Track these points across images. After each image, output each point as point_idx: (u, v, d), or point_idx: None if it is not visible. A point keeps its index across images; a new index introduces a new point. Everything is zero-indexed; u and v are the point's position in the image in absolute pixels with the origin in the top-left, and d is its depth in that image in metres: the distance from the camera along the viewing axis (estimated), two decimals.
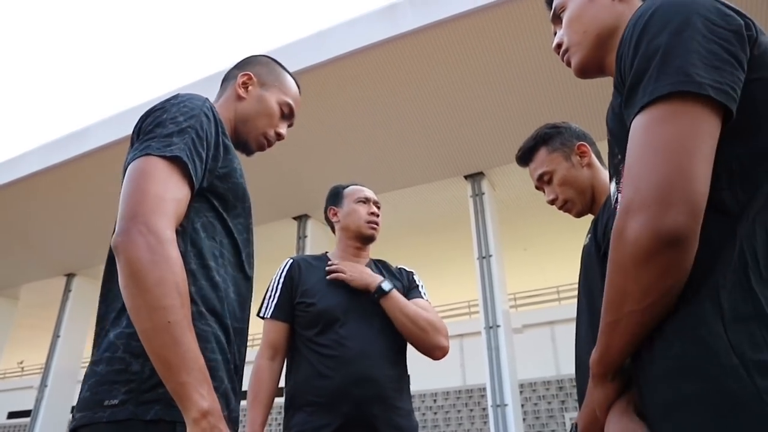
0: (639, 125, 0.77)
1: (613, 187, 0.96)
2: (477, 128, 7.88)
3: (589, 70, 1.08)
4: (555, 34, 1.15)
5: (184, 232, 1.10)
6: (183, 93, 1.21)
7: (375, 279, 1.93)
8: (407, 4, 6.64)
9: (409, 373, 1.99)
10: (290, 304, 1.94)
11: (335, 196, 2.19)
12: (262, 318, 1.96)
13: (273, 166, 8.49)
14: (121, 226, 0.99)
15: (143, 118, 1.16)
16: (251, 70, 1.41)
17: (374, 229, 2.10)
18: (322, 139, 8.19)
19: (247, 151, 1.42)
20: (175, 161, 1.05)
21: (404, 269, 2.22)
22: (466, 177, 8.99)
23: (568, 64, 1.10)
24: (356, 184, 2.21)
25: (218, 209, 1.19)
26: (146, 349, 0.99)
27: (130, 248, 0.96)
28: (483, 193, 8.80)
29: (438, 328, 1.94)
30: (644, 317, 0.77)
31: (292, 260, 2.07)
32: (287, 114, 1.43)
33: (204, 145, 1.12)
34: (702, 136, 0.73)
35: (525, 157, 1.74)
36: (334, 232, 2.20)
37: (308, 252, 9.64)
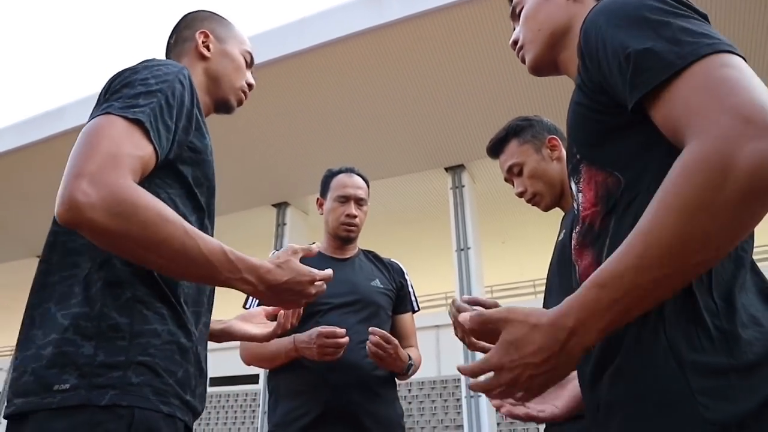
0: (694, 80, 0.69)
1: (573, 186, 0.95)
2: (458, 120, 7.90)
3: (542, 67, 1.09)
4: (514, 30, 1.16)
5: None
6: (158, 58, 1.13)
7: (403, 364, 1.87)
8: None
9: None
10: None
11: (325, 184, 2.15)
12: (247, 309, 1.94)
13: (252, 153, 8.43)
14: (63, 191, 0.88)
15: (113, 78, 1.07)
16: (205, 27, 1.34)
17: (349, 230, 2.04)
18: (303, 126, 8.14)
19: (228, 109, 1.36)
20: (137, 124, 0.97)
21: (395, 263, 2.20)
22: (446, 169, 9.01)
23: (523, 61, 1.11)
24: (345, 171, 2.14)
25: (188, 184, 1.12)
26: (179, 276, 1.02)
27: (81, 217, 0.87)
28: (463, 186, 8.83)
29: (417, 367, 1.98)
30: (705, 268, 0.69)
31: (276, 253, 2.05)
32: (249, 62, 1.39)
33: (173, 113, 1.04)
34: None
35: (495, 148, 1.76)
36: None
37: (287, 240, 9.60)
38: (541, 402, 1.18)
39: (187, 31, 1.34)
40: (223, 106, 1.35)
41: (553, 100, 7.14)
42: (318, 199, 2.15)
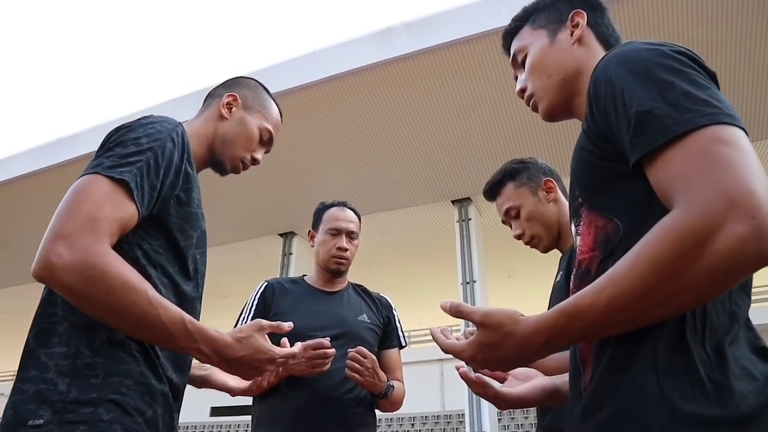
0: (688, 150, 0.70)
1: (573, 229, 0.96)
2: (466, 154, 7.95)
3: (556, 113, 1.09)
4: (516, 78, 1.16)
5: (125, 257, 1.04)
6: (156, 115, 1.18)
7: (381, 385, 1.88)
8: (402, 28, 6.73)
9: None
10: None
11: (317, 217, 2.15)
12: None
13: (260, 183, 8.48)
14: (41, 250, 0.94)
15: (109, 135, 1.13)
16: (237, 91, 1.40)
17: (340, 263, 2.03)
18: (311, 157, 8.21)
19: (222, 171, 1.40)
20: (121, 184, 1.02)
21: (383, 298, 2.17)
22: (453, 202, 9.04)
23: (535, 109, 1.11)
24: (338, 205, 2.14)
25: (172, 234, 1.16)
26: (141, 339, 1.05)
27: (53, 277, 0.93)
28: (470, 219, 8.84)
29: (401, 402, 1.99)
30: (669, 318, 0.72)
31: (267, 283, 2.04)
32: (266, 140, 1.42)
33: (160, 172, 1.09)
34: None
35: (492, 191, 1.77)
36: None
37: (293, 269, 9.60)
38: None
39: (222, 90, 1.41)
40: (218, 166, 1.39)
41: (562, 133, 7.18)
42: (310, 231, 2.16)
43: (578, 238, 0.92)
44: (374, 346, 2.00)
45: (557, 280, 1.62)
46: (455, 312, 0.90)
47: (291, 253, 9.88)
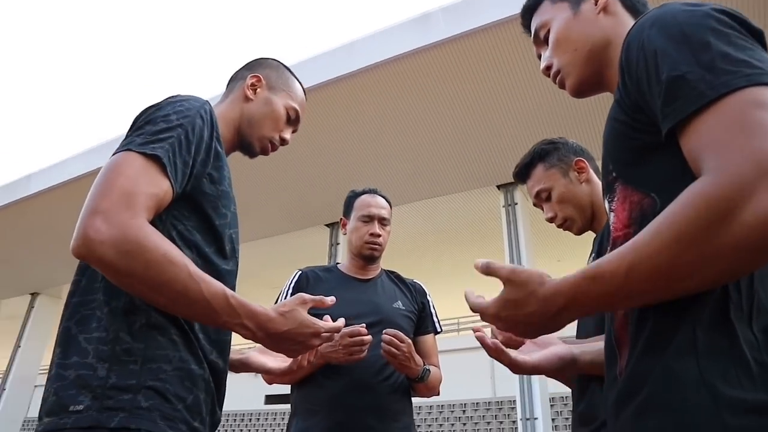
0: (723, 114, 0.66)
1: (606, 204, 0.92)
2: (510, 137, 7.83)
3: (586, 89, 1.05)
4: (539, 56, 1.12)
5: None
6: (183, 94, 1.18)
7: (417, 369, 1.88)
8: (440, 12, 6.65)
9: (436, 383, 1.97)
10: None
11: (348, 205, 2.17)
12: None
13: (305, 174, 8.56)
14: (79, 226, 0.94)
15: (138, 115, 1.12)
16: (261, 72, 1.39)
17: (373, 249, 2.05)
18: (355, 147, 8.23)
19: (251, 153, 1.39)
20: (154, 160, 1.01)
21: (417, 284, 2.18)
22: (498, 187, 8.92)
23: (562, 85, 1.07)
24: (369, 192, 2.16)
25: (206, 213, 1.15)
26: (182, 315, 1.05)
27: (92, 252, 0.93)
28: (516, 203, 8.70)
29: (438, 387, 1.98)
30: (693, 292, 0.69)
31: (300, 272, 2.06)
32: (293, 119, 1.41)
33: (192, 148, 1.08)
34: None
35: (522, 173, 1.74)
36: None
37: (341, 259, 9.64)
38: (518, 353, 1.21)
39: (246, 72, 1.41)
40: (246, 148, 1.38)
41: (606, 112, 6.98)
42: (341, 219, 2.18)
43: (612, 214, 0.88)
44: (410, 333, 2.02)
45: (589, 261, 1.59)
46: (485, 269, 0.89)
47: (338, 243, 9.95)
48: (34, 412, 12.49)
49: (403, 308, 2.04)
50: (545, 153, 1.68)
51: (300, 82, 1.48)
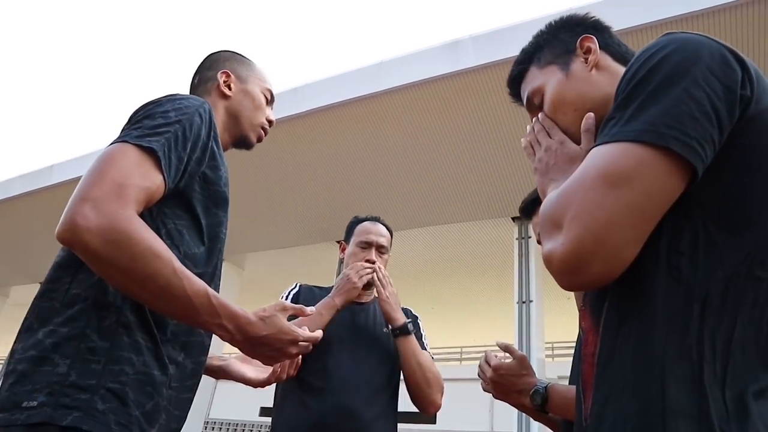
0: (592, 153, 0.73)
1: None
2: (529, 170, 7.78)
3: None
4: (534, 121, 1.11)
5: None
6: (183, 93, 1.17)
7: (402, 317, 1.89)
8: (470, 41, 6.70)
9: (435, 411, 1.94)
10: None
11: (349, 230, 2.17)
12: None
13: (322, 191, 8.60)
14: (67, 212, 0.93)
15: (137, 110, 1.11)
16: (226, 67, 1.39)
17: (367, 279, 2.03)
18: (374, 167, 8.26)
19: (248, 145, 1.40)
20: (149, 153, 1.00)
21: (408, 310, 2.17)
22: (513, 219, 8.88)
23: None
24: (371, 219, 2.16)
25: (196, 212, 1.14)
26: (162, 312, 1.03)
27: (77, 238, 0.91)
28: (529, 237, 8.65)
29: (440, 385, 1.92)
30: None
31: (300, 286, 2.06)
32: (270, 99, 1.43)
33: (188, 145, 1.07)
34: (654, 190, 0.66)
35: (528, 209, 1.79)
36: None
37: None
38: None
39: (209, 72, 1.39)
40: (242, 142, 1.39)
41: None
42: (341, 243, 2.18)
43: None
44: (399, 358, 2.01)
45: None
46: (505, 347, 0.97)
47: None
48: None
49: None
50: None
51: (256, 63, 1.48)
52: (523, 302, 8.19)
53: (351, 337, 1.90)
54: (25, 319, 1.04)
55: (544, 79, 1.04)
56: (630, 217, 0.65)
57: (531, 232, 8.69)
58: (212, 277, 1.21)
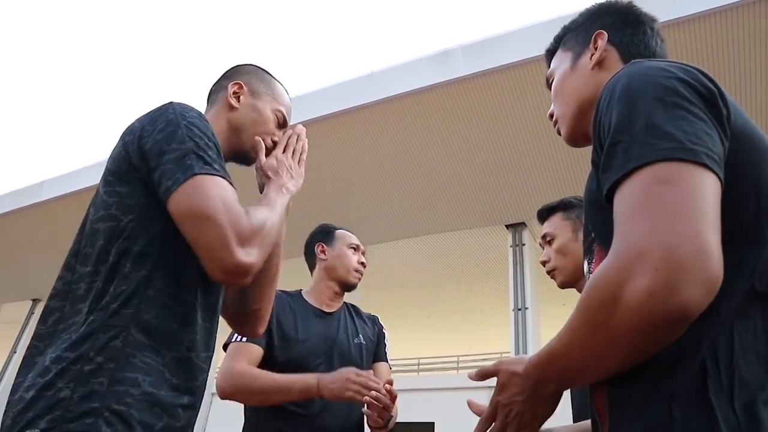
0: (629, 190, 0.67)
1: (586, 266, 0.90)
2: (521, 178, 7.84)
3: (577, 140, 1.05)
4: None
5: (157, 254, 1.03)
6: (175, 103, 1.13)
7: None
8: (460, 50, 6.74)
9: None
10: (268, 334, 1.83)
11: (327, 234, 2.16)
12: (231, 342, 1.82)
13: (313, 202, 8.60)
14: (215, 257, 0.98)
15: (143, 134, 1.07)
16: (241, 79, 1.35)
17: (358, 278, 2.09)
18: (366, 176, 8.28)
19: (247, 161, 1.35)
20: (221, 177, 1.03)
21: (375, 317, 2.19)
22: (507, 226, 8.91)
23: (559, 133, 1.09)
24: (346, 229, 2.18)
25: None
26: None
27: (250, 267, 1.01)
28: (523, 244, 8.68)
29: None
30: (616, 373, 0.71)
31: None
32: (281, 122, 1.37)
33: (222, 159, 1.10)
34: (709, 199, 0.63)
35: (543, 215, 1.80)
36: (311, 268, 2.15)
37: None
38: None
39: (225, 81, 1.37)
40: (241, 157, 1.35)
41: None
42: (320, 245, 2.13)
43: (590, 275, 0.85)
44: (369, 366, 2.00)
45: None
46: (479, 377, 0.99)
47: None
48: None
49: (365, 342, 2.03)
50: (570, 206, 1.76)
51: (282, 85, 1.43)
52: (519, 309, 8.20)
53: (323, 350, 1.88)
54: (36, 339, 1.02)
55: (559, 64, 1.07)
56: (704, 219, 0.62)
57: (525, 240, 8.72)
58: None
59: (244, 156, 1.35)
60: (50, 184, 9.90)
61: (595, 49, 0.99)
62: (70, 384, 0.92)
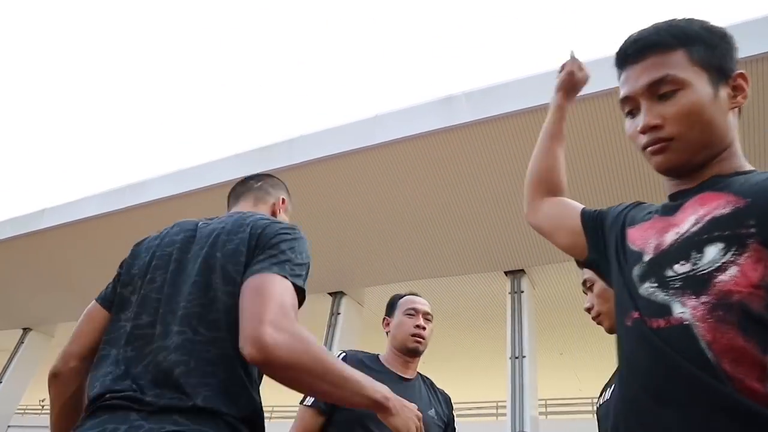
0: None
1: (716, 251, 0.84)
2: (521, 225, 7.83)
3: (678, 171, 0.96)
4: (626, 99, 0.99)
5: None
6: (297, 227, 1.40)
7: None
8: (464, 97, 6.85)
9: None
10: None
11: (391, 305, 2.23)
12: (303, 404, 1.90)
13: (313, 243, 8.59)
14: (251, 335, 1.08)
15: (270, 232, 1.30)
16: (284, 196, 1.64)
17: (419, 342, 2.09)
18: (367, 219, 8.29)
19: None
20: (298, 290, 1.23)
21: (446, 395, 2.19)
22: (506, 273, 8.87)
23: (656, 152, 0.95)
24: (412, 294, 2.25)
25: None
26: (340, 401, 1.29)
27: (272, 354, 1.07)
28: (522, 291, 8.63)
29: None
30: None
31: (344, 354, 2.05)
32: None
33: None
34: None
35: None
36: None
37: (339, 328, 9.56)
38: None
39: (272, 189, 1.63)
40: None
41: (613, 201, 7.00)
42: (385, 319, 2.23)
43: (733, 267, 0.80)
44: None
45: (604, 400, 1.54)
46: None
47: (339, 313, 9.85)
48: None
49: (436, 418, 2.01)
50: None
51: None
52: (516, 357, 8.08)
53: None
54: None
55: (693, 79, 0.91)
56: None
57: (524, 287, 8.67)
58: None
59: None
60: (51, 212, 9.90)
61: (736, 89, 0.93)
62: None
